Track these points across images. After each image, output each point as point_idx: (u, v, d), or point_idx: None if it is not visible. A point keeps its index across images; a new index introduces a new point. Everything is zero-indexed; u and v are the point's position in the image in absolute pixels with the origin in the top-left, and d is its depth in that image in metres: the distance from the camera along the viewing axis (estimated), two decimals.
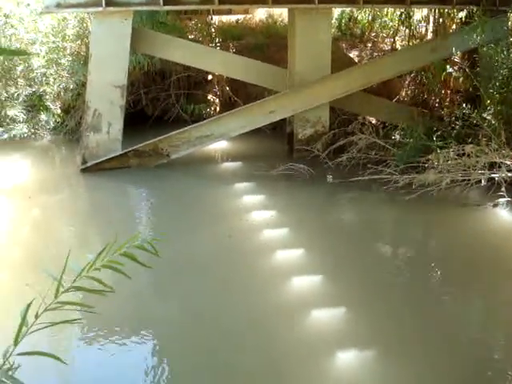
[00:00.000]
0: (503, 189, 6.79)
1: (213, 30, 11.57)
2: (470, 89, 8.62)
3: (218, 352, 4.12)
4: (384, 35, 11.43)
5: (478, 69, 8.31)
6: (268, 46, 10.93)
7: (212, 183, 7.87)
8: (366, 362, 4.02)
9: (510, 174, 6.87)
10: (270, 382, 3.86)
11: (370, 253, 5.81)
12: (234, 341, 4.28)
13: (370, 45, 11.21)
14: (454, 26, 9.93)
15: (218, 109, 10.99)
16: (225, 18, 12.43)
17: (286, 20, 10.09)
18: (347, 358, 4.08)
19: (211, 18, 11.76)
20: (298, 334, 4.36)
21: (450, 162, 7.08)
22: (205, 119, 9.20)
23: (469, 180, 6.97)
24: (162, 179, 7.87)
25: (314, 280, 5.13)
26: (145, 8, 8.25)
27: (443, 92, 9.33)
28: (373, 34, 11.53)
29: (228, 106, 10.50)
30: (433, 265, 5.61)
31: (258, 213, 6.66)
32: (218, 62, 9.25)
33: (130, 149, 8.26)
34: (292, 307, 4.69)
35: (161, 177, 7.95)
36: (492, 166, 7.06)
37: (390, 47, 10.96)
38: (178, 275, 5.26)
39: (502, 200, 6.77)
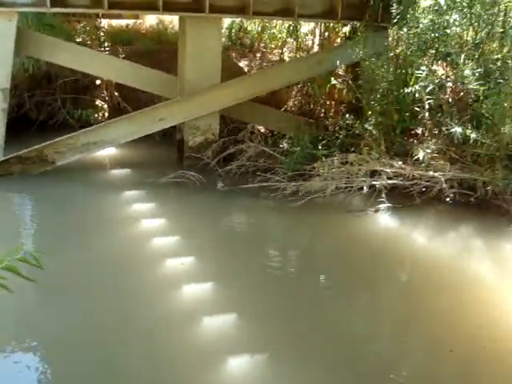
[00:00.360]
0: (383, 195, 7.19)
1: (102, 33, 11.32)
2: (353, 100, 9.04)
3: (105, 363, 4.03)
4: (273, 46, 11.71)
5: (360, 81, 8.74)
6: (158, 52, 10.83)
7: (100, 191, 7.66)
8: (256, 366, 4.08)
9: (389, 182, 7.29)
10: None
11: (259, 259, 5.91)
12: (121, 350, 4.21)
13: (259, 55, 11.43)
14: (338, 40, 10.37)
15: (106, 114, 10.75)
16: (114, 22, 12.19)
17: (176, 27, 10.08)
18: (237, 363, 4.11)
19: (100, 22, 11.50)
20: (187, 341, 4.35)
21: (334, 169, 7.39)
22: (92, 125, 8.96)
23: (352, 187, 7.31)
24: (47, 187, 7.56)
25: (204, 288, 5.14)
26: (31, 9, 7.95)
27: (328, 103, 9.71)
28: (262, 45, 11.78)
29: (117, 111, 10.29)
30: (319, 269, 5.81)
31: (148, 221, 6.58)
32: (107, 67, 9.06)
33: (13, 155, 7.88)
34: (182, 315, 4.67)
35: (46, 185, 7.62)
36: (373, 173, 7.44)
37: (278, 58, 11.25)
38: (64, 287, 5.05)
39: (382, 206, 7.16)
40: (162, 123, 8.50)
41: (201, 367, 4.04)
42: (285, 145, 8.55)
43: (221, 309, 4.78)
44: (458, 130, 7.01)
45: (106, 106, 10.94)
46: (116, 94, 10.87)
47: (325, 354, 4.25)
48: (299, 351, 4.27)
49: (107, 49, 11.00)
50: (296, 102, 10.01)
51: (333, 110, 9.53)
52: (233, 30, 12.06)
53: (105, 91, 11.05)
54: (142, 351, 4.21)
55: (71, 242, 5.99)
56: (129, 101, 10.52)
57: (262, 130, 9.37)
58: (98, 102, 10.99)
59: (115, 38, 11.38)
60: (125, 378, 3.93)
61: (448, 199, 7.37)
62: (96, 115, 10.64)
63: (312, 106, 9.80)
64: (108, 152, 8.97)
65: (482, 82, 7.11)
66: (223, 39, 10.61)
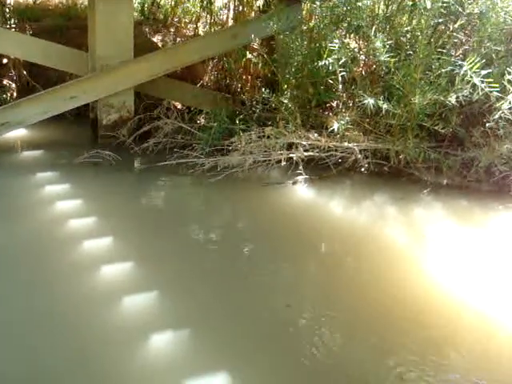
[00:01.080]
0: (301, 167, 7.29)
1: (7, 10, 10.76)
2: (269, 74, 9.07)
3: (21, 348, 3.90)
4: (187, 21, 11.52)
5: (275, 55, 8.77)
6: (68, 28, 10.43)
7: (11, 175, 7.29)
8: (179, 344, 4.05)
9: (306, 154, 7.39)
10: (78, 369, 3.74)
11: (179, 236, 5.85)
12: (41, 333, 4.08)
13: (172, 30, 11.22)
14: (252, 14, 10.33)
15: (15, 94, 10.26)
16: None
17: (86, 2, 9.72)
18: (161, 341, 4.07)
19: None
20: (107, 321, 4.26)
21: (252, 144, 7.41)
22: (0, 106, 8.56)
23: (270, 160, 7.36)
24: None
25: (123, 267, 5.02)
26: None
27: (244, 77, 9.69)
28: (176, 20, 11.56)
29: (26, 91, 9.82)
30: (241, 243, 5.82)
31: (63, 203, 6.34)
32: (14, 44, 8.60)
33: None
34: (102, 295, 4.56)
35: None
36: (290, 146, 7.52)
37: (192, 33, 11.09)
38: None
39: (300, 178, 7.27)
40: (73, 101, 8.21)
41: (125, 345, 3.97)
42: (202, 120, 8.49)
43: (141, 287, 4.70)
44: (370, 101, 7.16)
45: (14, 85, 10.43)
46: (25, 72, 10.39)
47: (244, 329, 4.27)
48: (220, 326, 4.27)
49: (13, 26, 10.47)
50: (212, 77, 9.93)
51: (249, 85, 9.51)
52: (145, 5, 11.77)
53: (12, 70, 10.54)
54: (62, 334, 4.10)
55: None
56: (39, 80, 10.07)
57: (179, 107, 9.24)
58: (6, 82, 10.47)
59: (22, 14, 10.84)
60: (50, 364, 3.81)
61: (363, 169, 7.59)
62: (4, 96, 10.15)
63: (228, 81, 9.74)
64: (18, 133, 8.58)
65: (392, 54, 7.28)
66: (135, 14, 10.37)
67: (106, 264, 5.04)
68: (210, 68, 10.00)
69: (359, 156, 7.41)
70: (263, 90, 8.24)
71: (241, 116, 8.18)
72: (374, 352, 4.03)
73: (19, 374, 3.67)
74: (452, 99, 6.84)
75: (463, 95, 6.77)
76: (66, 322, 4.23)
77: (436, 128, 7.24)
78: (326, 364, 3.86)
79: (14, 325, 4.17)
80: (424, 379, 3.74)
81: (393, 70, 7.41)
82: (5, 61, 10.45)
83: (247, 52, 8.93)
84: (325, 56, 7.56)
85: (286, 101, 7.90)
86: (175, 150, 7.77)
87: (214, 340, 4.09)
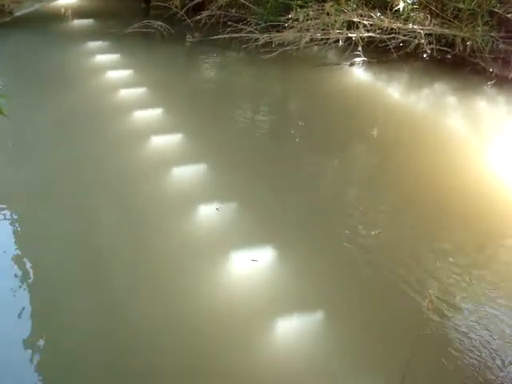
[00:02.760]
0: (359, 49, 6.92)
1: None
2: None
3: (81, 218, 3.95)
4: None
5: None
6: None
7: (63, 43, 7.17)
8: (228, 214, 4.03)
9: (366, 34, 6.98)
10: (132, 233, 3.79)
11: (229, 112, 5.71)
12: (95, 200, 4.11)
13: None
14: None
15: None
16: None
17: None
18: (209, 210, 4.05)
19: None
20: (158, 189, 4.26)
21: (309, 21, 7.01)
22: None
23: (327, 39, 6.99)
24: (6, 40, 7.05)
25: (173, 139, 4.98)
26: None
27: None
28: None
29: None
30: (291, 124, 5.66)
31: (113, 72, 6.25)
32: None
33: None
34: (152, 165, 4.54)
35: (4, 37, 7.12)
36: (350, 26, 7.10)
37: None
38: (34, 143, 4.83)
39: (358, 59, 6.93)
40: None
41: (172, 215, 3.98)
42: None
43: (190, 159, 4.66)
44: None
45: None
46: None
47: (296, 211, 4.20)
48: (269, 205, 4.21)
49: None
50: None
51: None
52: None
53: None
54: (114, 197, 4.14)
55: (36, 93, 5.68)
56: None
57: None
58: None
59: None
60: (96, 225, 3.86)
61: (425, 55, 7.17)
62: None
63: None
64: (68, 2, 8.38)
65: None
66: None
67: (154, 134, 4.98)
68: None
69: (422, 40, 6.96)
70: None
71: None
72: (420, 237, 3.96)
73: None
74: None
75: None
76: (115, 191, 4.26)
77: (509, 16, 6.69)
78: (371, 246, 3.81)
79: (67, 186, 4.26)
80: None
81: None
82: None
83: None
84: None
85: None
86: (228, 23, 7.44)
87: (260, 213, 4.06)
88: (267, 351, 2.93)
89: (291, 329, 3.07)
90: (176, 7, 7.92)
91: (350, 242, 3.79)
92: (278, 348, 2.96)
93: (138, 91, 5.88)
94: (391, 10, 7.02)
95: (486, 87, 6.66)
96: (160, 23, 7.43)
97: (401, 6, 6.83)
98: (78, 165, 4.50)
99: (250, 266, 3.47)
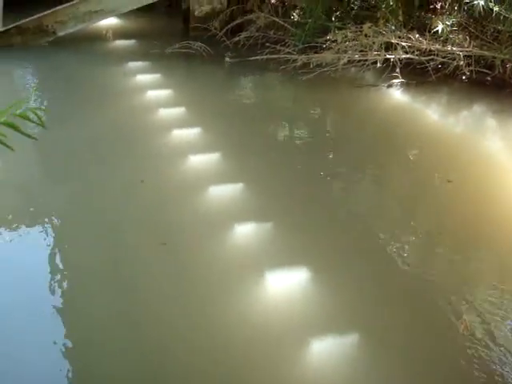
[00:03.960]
0: (398, 70, 6.92)
1: None
2: None
3: (117, 232, 4.03)
4: None
5: None
6: None
7: (104, 62, 7.41)
8: (261, 233, 4.03)
9: (404, 56, 6.98)
10: (167, 251, 3.81)
11: (266, 132, 5.78)
12: (131, 218, 4.19)
13: None
14: None
15: None
16: None
17: None
18: (245, 230, 4.07)
19: None
20: (196, 207, 4.32)
21: (347, 42, 7.05)
22: None
23: (365, 61, 7.00)
24: (49, 59, 7.32)
25: (210, 158, 5.03)
26: None
27: None
28: None
29: None
30: (329, 145, 5.68)
31: (153, 92, 6.39)
32: None
33: (12, 25, 7.56)
34: (190, 183, 4.60)
35: (47, 56, 7.38)
36: (388, 47, 7.11)
37: None
38: (72, 157, 4.98)
39: (396, 81, 6.92)
40: None
41: (209, 233, 4.02)
42: (296, 16, 8.14)
43: (228, 179, 4.70)
44: (480, 2, 6.59)
45: None
46: None
47: (331, 234, 4.20)
48: (302, 224, 4.20)
49: None
50: None
51: None
52: None
53: None
54: (152, 219, 4.20)
55: (76, 111, 5.86)
56: None
57: (273, 0, 8.88)
58: None
59: None
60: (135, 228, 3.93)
61: (464, 77, 7.11)
62: None
63: None
64: (111, 22, 8.62)
65: None
66: None
67: (192, 153, 5.04)
68: None
69: (461, 62, 6.92)
70: None
71: (337, 13, 7.79)
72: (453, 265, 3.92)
73: None
74: None
75: None
76: (157, 208, 4.32)
77: None
78: (404, 272, 3.79)
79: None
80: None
81: None
82: None
83: None
84: None
85: None
86: (267, 45, 7.53)
87: (295, 232, 4.07)
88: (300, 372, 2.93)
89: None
90: (215, 28, 8.06)
91: (388, 270, 3.77)
92: (313, 369, 2.95)
93: (177, 110, 5.98)
94: (430, 31, 7.01)
95: None
96: (199, 44, 7.57)
97: (439, 27, 6.82)
98: (114, 178, 4.62)
99: (286, 287, 3.49)
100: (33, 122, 2.05)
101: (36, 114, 2.10)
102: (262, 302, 3.36)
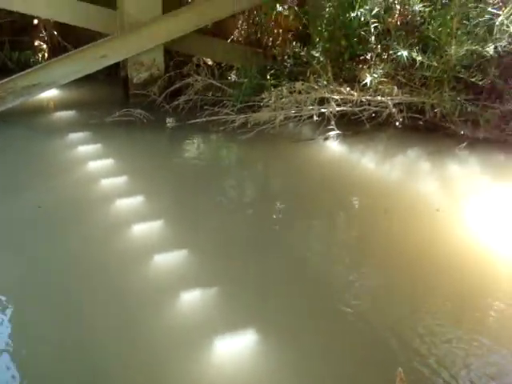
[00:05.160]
0: (333, 123, 7.16)
1: None
2: (300, 27, 8.84)
3: (64, 306, 3.99)
4: None
5: (306, 7, 8.53)
6: None
7: (44, 135, 7.38)
8: (210, 300, 4.07)
9: (338, 109, 7.24)
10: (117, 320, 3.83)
11: (211, 194, 5.83)
12: (78, 294, 4.16)
13: None
14: None
15: (46, 55, 10.33)
16: None
17: None
18: (192, 297, 4.09)
19: None
20: (141, 276, 4.32)
21: (283, 99, 7.28)
22: (32, 67, 8.58)
23: (301, 116, 7.24)
24: None
25: (154, 226, 5.06)
26: None
27: (275, 31, 9.46)
28: None
29: (58, 51, 9.81)
30: (272, 199, 5.80)
31: (95, 163, 6.40)
32: (43, 5, 8.56)
33: None
34: (135, 253, 4.61)
35: None
36: (322, 101, 7.37)
37: None
38: (7, 232, 4.96)
39: (332, 133, 7.16)
40: (104, 60, 8.19)
41: (153, 299, 4.03)
42: (233, 76, 8.38)
43: (172, 245, 4.71)
44: (404, 53, 6.95)
45: (45, 46, 10.49)
46: (55, 33, 10.41)
47: (277, 282, 4.27)
48: (249, 283, 4.28)
49: None
50: (243, 32, 9.72)
51: (280, 39, 9.28)
52: None
53: (43, 31, 10.58)
54: (99, 289, 4.19)
55: (13, 187, 5.82)
56: (70, 40, 10.04)
57: (209, 63, 9.12)
58: (37, 43, 10.54)
59: None
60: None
61: (397, 124, 7.42)
62: (36, 57, 10.24)
63: (259, 35, 9.53)
64: (50, 94, 8.66)
65: (427, 3, 7.02)
66: None
67: (136, 222, 5.05)
68: (240, 22, 9.78)
69: (393, 110, 7.22)
70: (294, 43, 8.07)
71: (272, 71, 8.05)
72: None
73: None
74: (490, 49, 6.61)
75: (502, 45, 6.53)
76: (103, 281, 4.31)
77: (473, 80, 6.98)
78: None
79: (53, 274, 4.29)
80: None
81: (428, 20, 7.16)
82: (36, 22, 10.47)
83: (277, 5, 8.68)
84: (357, 7, 7.31)
85: (317, 54, 7.71)
86: (206, 107, 7.70)
87: (241, 295, 4.11)
88: None
89: None
90: (154, 94, 8.21)
91: (337, 319, 3.83)
92: None
93: (120, 180, 5.99)
94: (360, 83, 7.31)
95: (458, 150, 6.84)
96: (139, 111, 7.68)
97: (368, 79, 7.12)
98: (58, 256, 4.58)
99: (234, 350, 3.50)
100: None
101: None
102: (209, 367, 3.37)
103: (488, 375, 3.34)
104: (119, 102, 8.50)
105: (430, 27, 7.07)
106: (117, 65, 8.72)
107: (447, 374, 3.34)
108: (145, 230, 4.99)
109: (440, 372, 3.36)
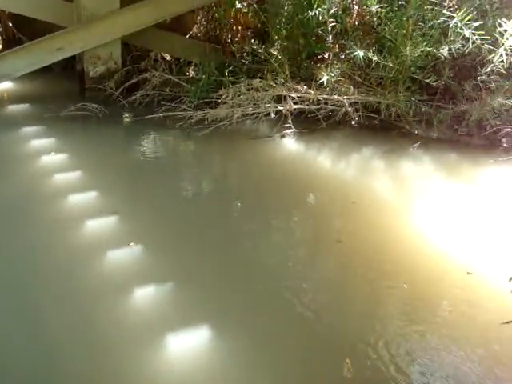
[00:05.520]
0: (290, 120, 7.22)
1: None
2: (259, 25, 8.87)
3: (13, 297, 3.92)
4: None
5: (265, 5, 8.56)
6: None
7: None
8: (164, 296, 4.06)
9: (295, 107, 7.29)
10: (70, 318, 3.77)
11: (166, 190, 5.79)
12: (29, 292, 4.09)
13: None
14: None
15: (0, 47, 10.10)
16: None
17: None
18: (146, 293, 4.06)
19: None
20: (95, 272, 4.27)
21: (240, 96, 7.30)
22: None
23: (258, 113, 7.27)
24: None
25: (108, 221, 5.00)
26: None
27: (234, 28, 9.46)
28: None
29: (12, 44, 9.62)
30: (228, 197, 5.80)
31: (48, 157, 6.30)
32: None
33: None
34: (88, 249, 4.54)
35: None
36: (280, 99, 7.41)
37: None
38: None
39: (288, 131, 7.21)
40: (60, 53, 8.06)
41: (107, 296, 3.99)
42: (191, 72, 8.36)
43: (126, 241, 4.66)
44: (360, 53, 7.04)
45: None
46: (10, 24, 10.19)
47: (235, 281, 4.28)
48: (204, 279, 4.28)
49: None
50: (202, 28, 9.70)
51: (239, 36, 9.29)
52: None
53: None
54: (51, 285, 4.13)
55: None
56: (25, 32, 9.88)
57: (167, 58, 9.07)
58: None
59: None
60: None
61: (353, 123, 7.52)
62: None
63: (218, 32, 9.52)
64: (4, 87, 8.48)
65: (384, 4, 7.13)
66: None
67: (90, 218, 4.99)
68: (199, 18, 9.75)
69: (349, 109, 7.32)
70: (253, 41, 8.09)
71: (230, 68, 8.04)
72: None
73: None
74: (444, 51, 6.75)
75: (455, 47, 6.68)
76: (49, 278, 4.25)
77: (428, 81, 7.14)
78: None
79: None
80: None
81: (385, 21, 7.26)
82: None
83: (236, 1, 8.68)
84: (315, 6, 7.37)
85: (275, 52, 7.75)
86: (163, 102, 7.67)
87: (195, 290, 4.11)
88: None
89: None
90: (111, 88, 8.12)
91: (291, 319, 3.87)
92: None
93: (73, 174, 5.91)
94: (317, 81, 7.38)
95: (412, 148, 6.97)
96: (95, 105, 7.59)
97: (325, 78, 7.19)
98: (9, 252, 4.49)
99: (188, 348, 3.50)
100: None
101: None
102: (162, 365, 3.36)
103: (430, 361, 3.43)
104: (75, 95, 8.36)
105: (387, 28, 7.17)
106: (73, 58, 8.58)
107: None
108: (99, 225, 4.93)
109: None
